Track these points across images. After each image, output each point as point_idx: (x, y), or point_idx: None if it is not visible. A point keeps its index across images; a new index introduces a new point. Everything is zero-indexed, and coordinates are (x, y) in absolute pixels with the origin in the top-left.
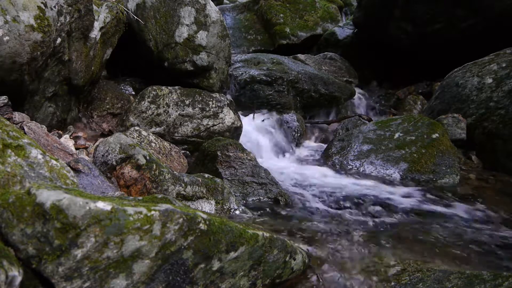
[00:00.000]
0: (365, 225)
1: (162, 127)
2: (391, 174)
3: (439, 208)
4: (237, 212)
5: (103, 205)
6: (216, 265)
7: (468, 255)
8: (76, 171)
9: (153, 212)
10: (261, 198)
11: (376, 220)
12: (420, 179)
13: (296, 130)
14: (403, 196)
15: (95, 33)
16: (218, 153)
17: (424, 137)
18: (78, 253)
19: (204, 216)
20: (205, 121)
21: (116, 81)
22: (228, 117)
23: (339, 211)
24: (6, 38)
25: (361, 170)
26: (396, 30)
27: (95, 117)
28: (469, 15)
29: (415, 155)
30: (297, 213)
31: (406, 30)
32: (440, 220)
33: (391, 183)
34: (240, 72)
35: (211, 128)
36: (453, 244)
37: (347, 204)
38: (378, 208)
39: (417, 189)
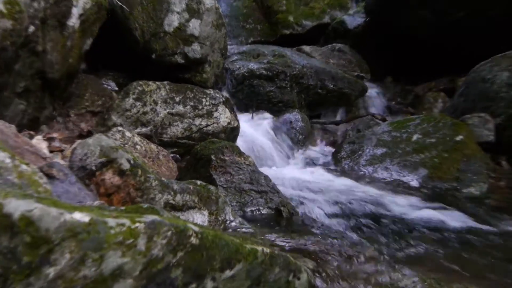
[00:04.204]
0: (380, 240)
1: (148, 127)
2: (409, 181)
3: (464, 222)
4: (234, 224)
5: (81, 216)
6: (209, 285)
7: (497, 275)
8: (50, 177)
9: (137, 224)
10: (261, 208)
11: (392, 234)
12: (442, 187)
13: (300, 131)
14: (423, 208)
15: (74, 21)
16: (212, 157)
17: (446, 140)
18: (51, 271)
19: (196, 228)
20: (197, 121)
21: (97, 75)
22: (223, 116)
23: (350, 224)
24: None
25: (374, 177)
26: (414, 18)
27: (72, 115)
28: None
29: (436, 160)
30: (302, 225)
31: (425, 19)
32: (465, 235)
33: (408, 192)
34: (237, 66)
35: (205, 128)
36: (479, 263)
37: (359, 216)
38: (394, 220)
39: (438, 199)
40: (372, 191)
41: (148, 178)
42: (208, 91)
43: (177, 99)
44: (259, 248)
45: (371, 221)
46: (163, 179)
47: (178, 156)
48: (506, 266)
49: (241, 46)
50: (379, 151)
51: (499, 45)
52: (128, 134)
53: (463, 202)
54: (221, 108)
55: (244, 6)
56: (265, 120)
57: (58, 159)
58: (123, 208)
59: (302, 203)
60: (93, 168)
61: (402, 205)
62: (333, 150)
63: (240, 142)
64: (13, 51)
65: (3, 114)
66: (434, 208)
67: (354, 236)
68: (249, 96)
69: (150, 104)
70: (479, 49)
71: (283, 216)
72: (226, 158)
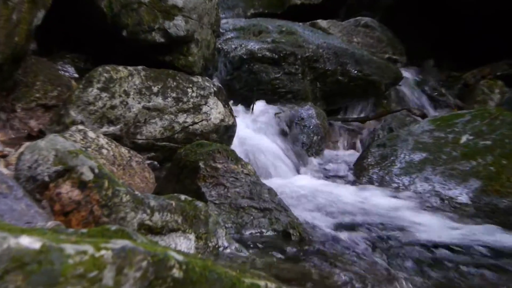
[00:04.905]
0: (419, 274)
1: (118, 126)
2: (457, 196)
3: None
4: (228, 251)
5: (29, 242)
6: None
7: None
8: None
9: (103, 251)
10: (264, 230)
11: (434, 266)
12: (500, 204)
13: (315, 131)
14: (474, 231)
15: None
16: (201, 164)
17: (505, 142)
18: None
19: (180, 257)
20: (181, 117)
21: (51, 58)
22: (215, 111)
23: (378, 252)
24: None
25: (411, 190)
26: None
27: (18, 110)
28: None
29: (491, 168)
30: (317, 253)
31: None
32: None
33: (456, 210)
34: (233, 46)
35: (191, 127)
36: None
37: (391, 242)
38: (436, 249)
39: (495, 220)
40: (408, 209)
41: (117, 192)
42: (195, 79)
43: (155, 89)
44: (262, 282)
45: (405, 247)
46: (136, 193)
47: (156, 163)
48: None
49: (238, 20)
50: (418, 156)
51: None
52: (91, 134)
53: None
54: (212, 100)
55: None
56: (269, 116)
57: (0, 167)
58: (84, 230)
59: (316, 223)
60: (46, 178)
61: (447, 228)
62: (357, 155)
63: (236, 145)
64: None
65: None
66: (489, 232)
67: (385, 269)
68: (249, 84)
69: (120, 96)
70: None
71: (293, 240)
72: (219, 165)
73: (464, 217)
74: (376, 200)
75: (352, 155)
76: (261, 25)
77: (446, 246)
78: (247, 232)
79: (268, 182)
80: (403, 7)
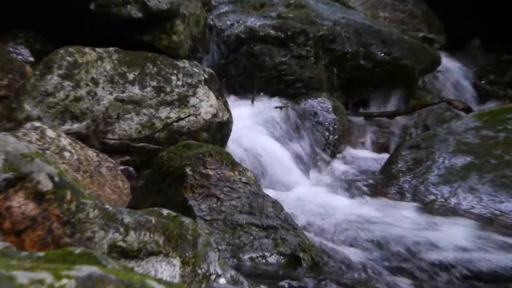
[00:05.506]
0: None
1: (84, 123)
2: (510, 211)
3: None
4: (222, 280)
5: None
6: None
7: None
8: None
9: (65, 280)
10: (267, 254)
11: None
12: None
13: (331, 128)
14: None
15: None
16: (188, 170)
17: None
18: None
19: None
20: (163, 112)
21: (1, 39)
22: (206, 104)
23: (406, 282)
24: None
25: (452, 204)
26: None
27: None
28: None
29: None
30: (333, 282)
31: None
32: None
33: (509, 228)
34: (228, 23)
35: (175, 124)
36: None
37: (426, 271)
38: (486, 284)
39: None
40: (448, 228)
41: (82, 206)
42: (181, 64)
43: (131, 76)
44: None
45: (445, 279)
46: (107, 206)
47: (131, 169)
48: None
49: None
50: (460, 161)
51: None
52: (50, 133)
53: None
54: (202, 90)
55: None
56: (274, 110)
57: None
58: (41, 254)
59: (331, 246)
60: None
61: (500, 253)
62: (384, 158)
63: (233, 146)
64: None
65: None
66: None
67: None
68: (248, 71)
69: (87, 85)
70: None
71: (303, 267)
72: (210, 172)
73: None
74: (407, 215)
75: (378, 159)
76: None
77: (500, 276)
78: (246, 256)
79: (271, 193)
80: None
